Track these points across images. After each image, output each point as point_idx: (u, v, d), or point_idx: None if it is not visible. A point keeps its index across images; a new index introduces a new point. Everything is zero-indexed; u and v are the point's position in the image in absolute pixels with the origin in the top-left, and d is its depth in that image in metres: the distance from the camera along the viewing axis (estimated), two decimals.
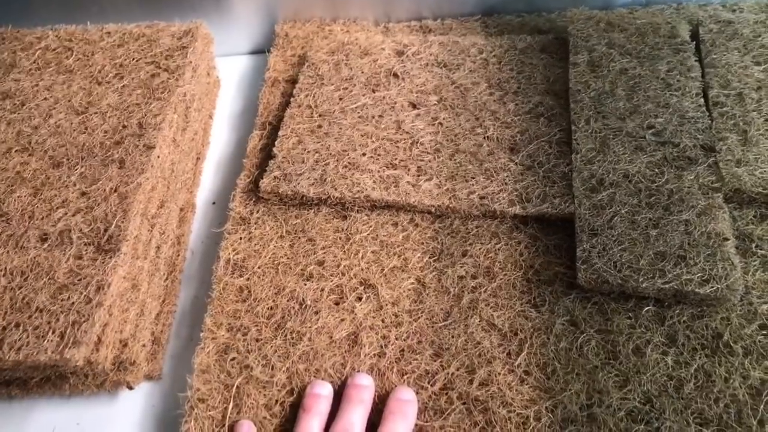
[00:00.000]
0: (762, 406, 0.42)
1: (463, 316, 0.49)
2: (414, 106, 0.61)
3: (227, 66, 0.74)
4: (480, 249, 0.52)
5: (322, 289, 0.51)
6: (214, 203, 0.62)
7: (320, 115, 0.61)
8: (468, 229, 0.54)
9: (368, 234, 0.54)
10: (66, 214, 0.50)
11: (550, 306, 0.49)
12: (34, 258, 0.47)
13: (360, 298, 0.51)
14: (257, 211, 0.56)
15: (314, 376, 0.47)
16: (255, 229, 0.55)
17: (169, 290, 0.55)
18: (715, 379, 0.44)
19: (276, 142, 0.59)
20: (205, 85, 0.67)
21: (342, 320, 0.49)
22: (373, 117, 0.60)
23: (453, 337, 0.48)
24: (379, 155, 0.57)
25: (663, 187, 0.52)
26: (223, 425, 0.45)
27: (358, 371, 0.46)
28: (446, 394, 0.46)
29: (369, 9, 0.74)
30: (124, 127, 0.55)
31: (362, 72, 0.65)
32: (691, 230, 0.49)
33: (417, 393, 0.46)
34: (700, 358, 0.45)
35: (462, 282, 0.51)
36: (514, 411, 0.44)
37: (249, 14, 0.73)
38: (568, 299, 0.49)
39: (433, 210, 0.55)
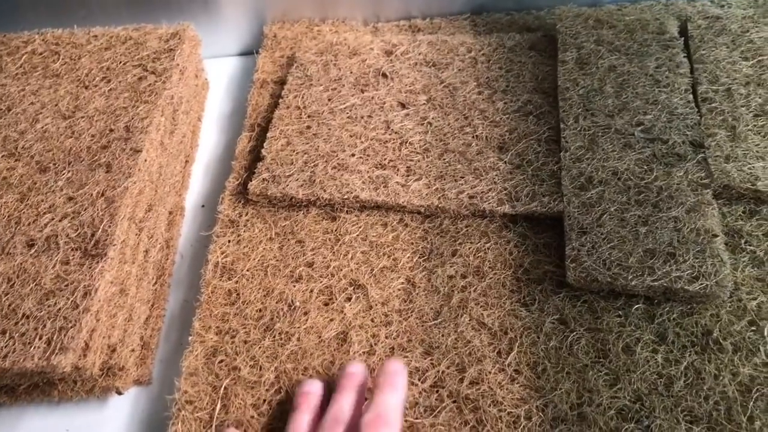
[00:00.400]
0: (752, 403, 0.42)
1: (453, 315, 0.49)
2: (403, 106, 0.61)
3: (216, 68, 0.74)
4: (469, 248, 0.52)
5: (312, 290, 0.51)
6: (203, 206, 0.62)
7: (309, 116, 0.61)
8: (457, 229, 0.54)
9: (358, 235, 0.54)
10: (53, 219, 0.49)
11: (540, 305, 0.49)
12: (21, 264, 0.47)
13: (349, 299, 0.50)
14: (246, 214, 0.56)
15: (302, 375, 0.46)
16: (244, 231, 0.55)
17: (158, 294, 0.55)
18: (705, 377, 0.44)
19: (265, 144, 0.59)
20: (194, 88, 0.66)
21: (331, 320, 0.49)
22: (362, 117, 0.60)
23: (443, 335, 0.48)
24: (368, 156, 0.57)
25: (652, 184, 0.52)
26: (211, 426, 0.45)
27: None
28: (437, 391, 0.45)
29: (358, 9, 0.74)
30: (111, 131, 0.55)
31: (351, 72, 0.65)
32: (680, 227, 0.49)
33: (408, 389, 0.45)
34: (689, 355, 0.45)
35: (452, 281, 0.51)
36: (505, 410, 0.44)
37: (237, 15, 0.73)
38: (558, 298, 0.49)
39: (422, 210, 0.54)
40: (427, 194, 0.54)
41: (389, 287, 0.51)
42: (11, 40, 0.64)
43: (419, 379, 0.46)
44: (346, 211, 0.55)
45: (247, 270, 0.52)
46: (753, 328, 0.46)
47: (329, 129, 0.59)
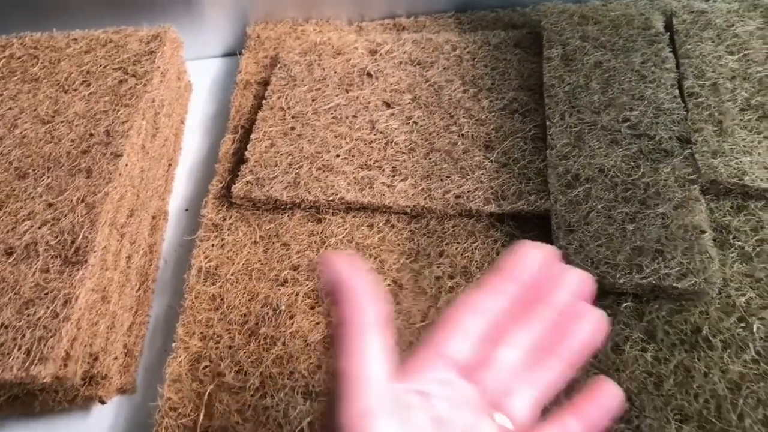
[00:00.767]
0: (741, 400, 0.42)
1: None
2: (388, 106, 0.61)
3: (199, 69, 0.73)
4: (457, 248, 0.52)
5: (297, 294, 0.50)
6: (187, 210, 0.61)
7: (293, 117, 0.60)
8: (444, 229, 0.53)
9: (343, 236, 0.53)
10: (32, 226, 0.49)
11: None
12: None
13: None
14: (230, 217, 0.55)
15: (288, 379, 0.46)
16: (228, 235, 0.54)
17: (142, 301, 0.54)
18: (695, 375, 0.44)
19: (248, 146, 0.58)
20: (176, 90, 0.65)
21: (317, 323, 0.49)
22: (347, 117, 0.60)
23: None
24: (353, 156, 0.57)
25: (639, 180, 0.51)
26: None
27: None
28: None
29: (342, 8, 0.73)
30: (91, 135, 0.54)
31: (335, 72, 0.64)
32: (668, 224, 0.48)
33: None
34: (679, 353, 0.45)
35: (439, 282, 0.50)
36: None
37: (220, 16, 0.72)
38: None
39: (408, 210, 0.54)
40: (413, 194, 0.53)
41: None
42: None
43: None
44: (332, 213, 0.55)
45: (231, 274, 0.52)
46: (742, 324, 0.46)
47: (313, 130, 0.59)
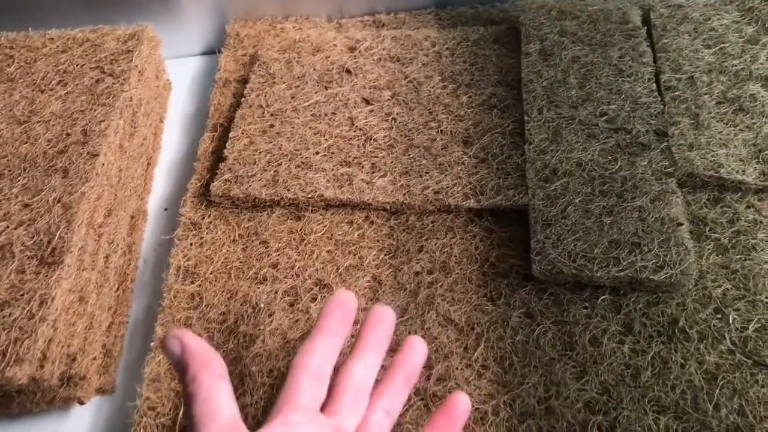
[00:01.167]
0: (717, 390, 0.42)
1: (419, 312, 0.48)
2: (367, 102, 0.61)
3: (178, 68, 0.73)
4: (436, 244, 0.52)
5: (276, 292, 0.50)
6: (166, 209, 0.61)
7: (272, 115, 0.60)
8: (423, 225, 0.53)
9: (323, 234, 0.53)
10: (8, 227, 0.48)
11: (507, 299, 0.48)
12: None
13: (315, 299, 0.50)
14: (209, 216, 0.55)
15: (267, 377, 0.46)
16: (206, 234, 0.54)
17: (121, 301, 0.54)
18: (672, 366, 0.44)
19: (227, 144, 0.58)
20: (154, 89, 0.65)
21: (296, 321, 0.48)
22: (326, 114, 0.60)
23: (410, 333, 0.47)
24: (332, 153, 0.57)
25: (616, 174, 0.51)
26: None
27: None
28: None
29: (321, 5, 0.73)
30: (68, 135, 0.54)
31: (314, 69, 0.64)
32: (644, 217, 0.49)
33: None
34: (656, 345, 0.45)
35: (418, 278, 0.50)
36: (473, 406, 0.43)
37: (198, 15, 0.72)
38: (524, 291, 0.48)
39: (387, 207, 0.54)
40: (392, 191, 0.53)
41: (355, 286, 0.50)
42: None
43: None
44: (311, 210, 0.55)
45: (210, 273, 0.51)
46: (718, 315, 0.46)
47: (293, 127, 0.59)
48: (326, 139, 0.57)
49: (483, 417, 0.43)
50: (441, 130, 0.57)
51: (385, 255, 0.52)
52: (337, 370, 0.39)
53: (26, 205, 0.49)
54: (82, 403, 0.48)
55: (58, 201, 0.49)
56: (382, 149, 0.56)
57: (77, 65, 0.60)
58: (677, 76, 0.57)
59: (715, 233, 0.50)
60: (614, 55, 0.59)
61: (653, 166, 0.51)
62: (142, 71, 0.61)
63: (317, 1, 0.72)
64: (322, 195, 0.53)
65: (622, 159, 0.52)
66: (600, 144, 0.53)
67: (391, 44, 0.65)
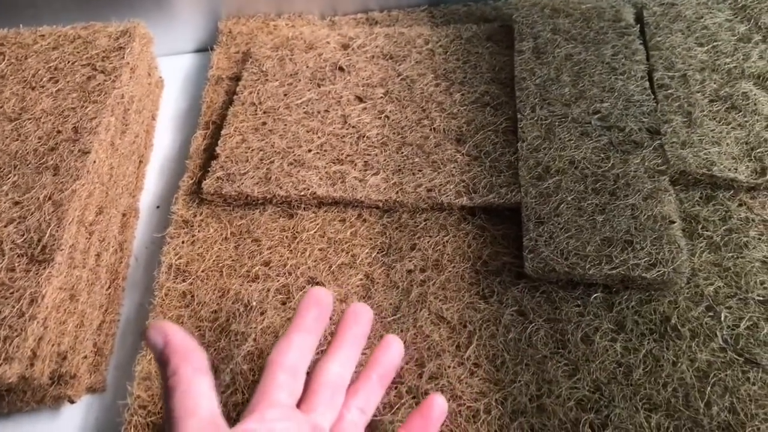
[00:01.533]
0: (709, 388, 0.42)
1: (411, 310, 0.48)
2: (360, 100, 0.60)
3: (171, 65, 0.73)
4: (428, 242, 0.52)
5: (268, 290, 0.50)
6: (158, 207, 0.61)
7: (264, 112, 0.60)
8: (416, 223, 0.53)
9: (315, 231, 0.53)
10: None
11: (499, 296, 0.48)
12: None
13: None
14: (201, 214, 0.55)
15: (259, 376, 0.45)
16: (198, 231, 0.54)
17: (112, 299, 0.53)
18: (663, 364, 0.44)
19: (219, 142, 0.58)
20: (146, 86, 0.65)
21: (288, 319, 0.48)
22: (319, 112, 0.59)
23: (402, 331, 0.47)
24: (325, 151, 0.56)
25: (609, 172, 0.51)
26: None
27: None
28: (396, 388, 0.45)
29: (314, 2, 0.72)
30: (59, 132, 0.54)
31: (307, 66, 0.64)
32: (637, 214, 0.49)
33: None
34: (648, 343, 0.45)
35: (410, 276, 0.50)
36: (464, 404, 0.43)
37: (191, 11, 0.72)
38: (517, 289, 0.48)
39: (380, 205, 0.54)
40: (385, 188, 0.53)
41: (348, 284, 0.50)
42: None
43: None
44: (304, 208, 0.54)
45: (202, 271, 0.51)
46: (710, 313, 0.46)
47: (285, 125, 0.58)
48: (319, 137, 0.57)
49: (475, 415, 0.43)
50: (434, 128, 0.57)
51: (377, 253, 0.52)
52: (313, 367, 0.39)
53: (16, 203, 0.49)
54: (72, 401, 0.48)
55: (49, 198, 0.49)
56: (375, 147, 0.56)
57: (68, 62, 0.59)
58: (670, 74, 0.57)
59: (707, 231, 0.50)
60: (607, 53, 0.59)
61: (646, 164, 0.51)
62: (133, 68, 0.60)
63: None
64: (314, 193, 0.53)
65: (614, 157, 0.52)
66: (593, 142, 0.53)
67: (384, 42, 0.65)
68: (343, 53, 0.65)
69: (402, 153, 0.56)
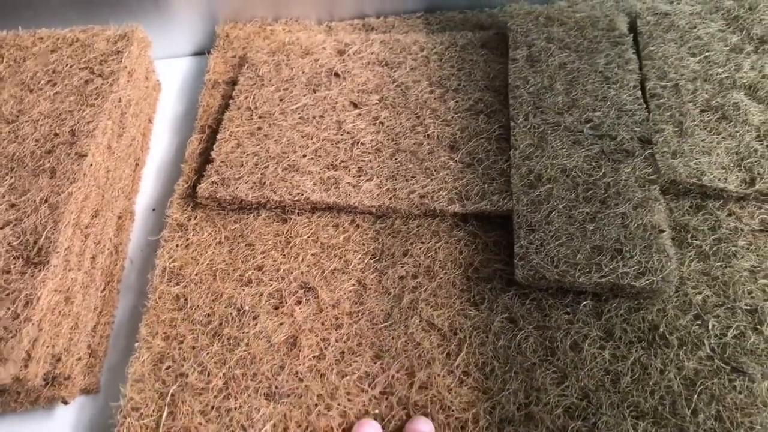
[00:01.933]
0: (696, 396, 0.43)
1: (403, 317, 0.49)
2: (355, 106, 0.61)
3: (168, 68, 0.73)
4: (420, 248, 0.52)
5: (261, 294, 0.50)
6: (153, 210, 0.61)
7: (260, 117, 0.60)
8: (409, 229, 0.53)
9: (308, 237, 0.54)
10: None
11: (489, 303, 0.49)
12: None
13: (300, 302, 0.50)
14: (195, 217, 0.55)
15: (251, 381, 0.46)
16: (193, 235, 0.54)
17: (107, 301, 0.54)
18: (651, 372, 0.44)
19: (214, 146, 0.58)
20: (144, 90, 0.65)
21: (281, 324, 0.49)
22: (314, 117, 0.60)
23: (393, 338, 0.48)
24: (319, 156, 0.57)
25: (600, 180, 0.52)
26: None
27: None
28: (387, 398, 0.45)
29: (311, 8, 0.73)
30: (56, 135, 0.54)
31: (303, 72, 0.64)
32: (627, 223, 0.49)
33: (357, 396, 0.45)
34: (636, 351, 0.45)
35: (402, 282, 0.51)
36: (453, 415, 0.44)
37: (189, 15, 0.72)
38: (507, 296, 0.49)
39: (373, 210, 0.54)
40: (378, 194, 0.54)
41: (340, 289, 0.50)
42: None
43: (369, 386, 0.46)
44: (297, 213, 0.55)
45: (196, 274, 0.52)
46: (698, 322, 0.46)
47: (280, 130, 0.59)
48: (314, 142, 0.58)
49: (463, 426, 0.44)
50: (428, 135, 0.58)
51: (370, 259, 0.52)
52: None
53: (13, 205, 0.50)
54: (66, 402, 0.48)
55: (45, 201, 0.49)
56: (369, 153, 0.57)
57: (66, 65, 0.60)
58: (662, 83, 0.58)
59: (696, 240, 0.50)
60: (600, 62, 0.60)
61: (637, 173, 0.52)
62: (131, 72, 0.61)
63: (307, 4, 0.73)
64: (308, 198, 0.54)
65: (606, 166, 0.53)
66: (585, 150, 0.54)
67: (380, 48, 0.66)
68: (338, 59, 0.65)
69: (396, 159, 0.56)
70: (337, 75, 0.64)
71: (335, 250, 0.53)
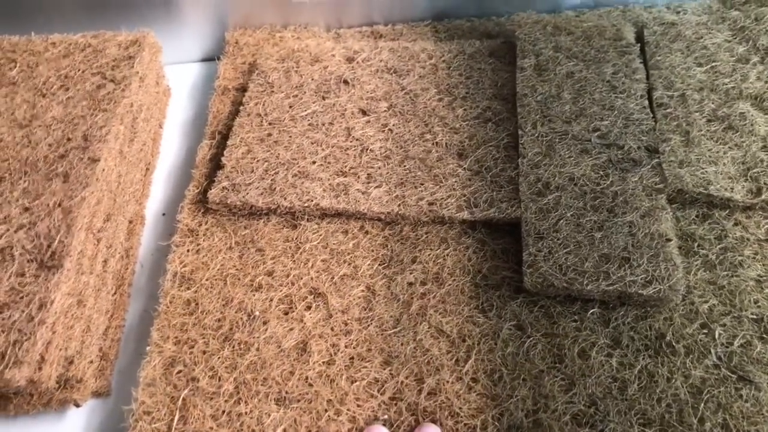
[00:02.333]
0: (702, 405, 0.43)
1: (412, 323, 0.49)
2: (364, 113, 0.61)
3: (178, 74, 0.74)
4: (429, 255, 0.53)
5: (271, 300, 0.51)
6: (164, 214, 0.62)
7: (270, 124, 0.61)
8: (417, 236, 0.54)
9: (318, 242, 0.54)
10: (8, 230, 0.49)
11: (498, 311, 0.49)
12: None
13: (309, 307, 0.51)
14: (206, 223, 0.56)
15: (262, 385, 0.46)
16: (203, 240, 0.55)
17: (118, 305, 0.54)
18: (658, 380, 0.45)
19: (225, 152, 0.59)
20: (154, 95, 0.66)
21: (291, 329, 0.49)
22: (324, 124, 0.60)
23: (402, 344, 0.48)
24: (329, 163, 0.57)
25: (608, 189, 0.52)
26: None
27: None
28: (396, 404, 0.46)
29: (320, 15, 0.74)
30: (69, 140, 0.55)
31: (312, 79, 0.65)
32: (634, 232, 0.50)
33: (366, 401, 0.46)
34: (643, 358, 0.46)
35: (411, 288, 0.51)
36: (462, 421, 0.44)
37: (199, 21, 0.73)
38: (515, 303, 0.49)
39: (383, 217, 0.55)
40: (387, 201, 0.54)
41: (349, 295, 0.51)
42: None
43: (378, 391, 0.46)
44: (307, 219, 0.55)
45: (206, 279, 0.52)
46: (705, 330, 0.47)
47: (290, 136, 0.59)
48: (323, 149, 0.58)
49: None
50: (436, 142, 0.58)
51: (379, 265, 0.52)
52: None
53: (26, 209, 0.50)
54: (78, 405, 0.49)
55: (59, 205, 0.50)
56: (378, 160, 0.57)
57: (79, 70, 0.60)
58: (669, 93, 0.58)
59: (703, 249, 0.51)
60: (608, 72, 0.60)
61: (644, 182, 0.53)
62: (143, 77, 0.62)
63: (316, 11, 0.73)
64: (318, 204, 0.54)
65: (613, 174, 0.53)
66: (592, 159, 0.54)
67: (389, 56, 0.66)
68: (348, 66, 0.66)
69: (404, 166, 0.57)
70: (346, 82, 0.64)
71: (345, 256, 0.53)
